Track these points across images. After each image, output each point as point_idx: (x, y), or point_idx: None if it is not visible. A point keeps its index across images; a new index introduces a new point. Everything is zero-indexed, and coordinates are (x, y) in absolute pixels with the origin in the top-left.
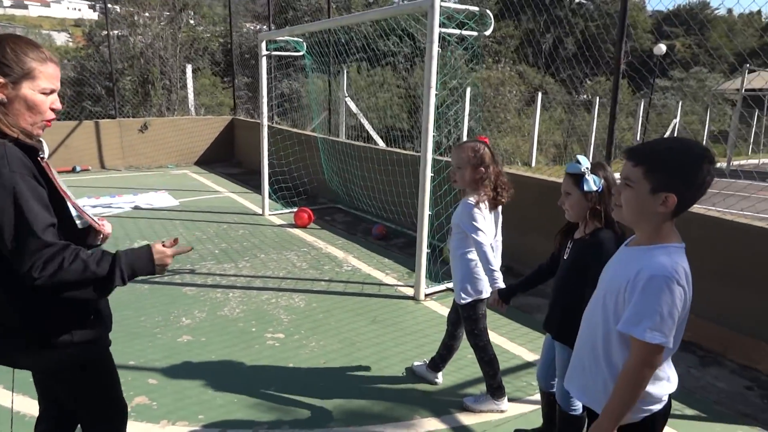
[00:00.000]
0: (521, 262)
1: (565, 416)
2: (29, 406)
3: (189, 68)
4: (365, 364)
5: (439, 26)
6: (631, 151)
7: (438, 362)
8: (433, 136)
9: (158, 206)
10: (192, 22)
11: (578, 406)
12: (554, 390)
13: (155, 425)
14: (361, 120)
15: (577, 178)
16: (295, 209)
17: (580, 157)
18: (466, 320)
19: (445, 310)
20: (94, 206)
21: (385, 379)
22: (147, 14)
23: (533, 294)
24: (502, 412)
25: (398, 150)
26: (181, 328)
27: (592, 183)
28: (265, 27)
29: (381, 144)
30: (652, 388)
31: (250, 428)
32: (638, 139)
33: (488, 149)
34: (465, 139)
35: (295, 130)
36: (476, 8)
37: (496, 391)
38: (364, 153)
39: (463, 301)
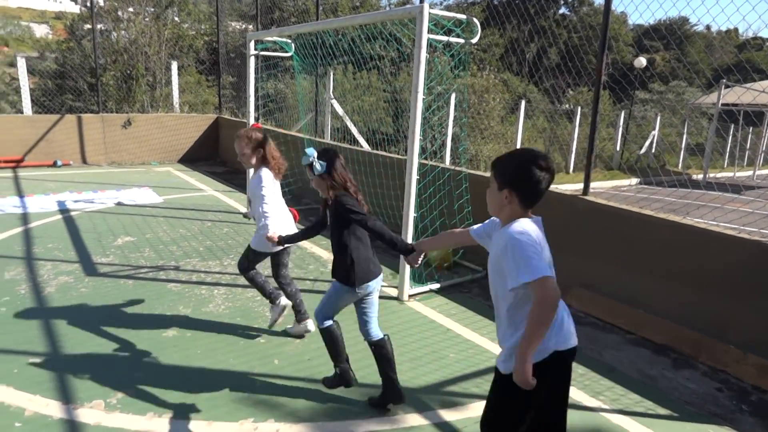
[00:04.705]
0: None
1: (320, 330)
2: (14, 396)
3: (174, 65)
4: (350, 362)
5: (428, 32)
6: (492, 161)
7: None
8: (419, 140)
9: (141, 203)
10: (177, 19)
11: (328, 323)
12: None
13: (141, 417)
14: (347, 122)
15: (310, 166)
16: None
17: (308, 150)
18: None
19: (428, 311)
20: (76, 201)
21: (369, 375)
22: (131, 9)
23: None
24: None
25: (384, 153)
26: (166, 322)
27: (319, 167)
28: (251, 26)
29: (366, 147)
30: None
31: (235, 421)
32: (618, 149)
33: (261, 133)
34: (449, 144)
35: (281, 130)
36: (463, 16)
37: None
38: (350, 155)
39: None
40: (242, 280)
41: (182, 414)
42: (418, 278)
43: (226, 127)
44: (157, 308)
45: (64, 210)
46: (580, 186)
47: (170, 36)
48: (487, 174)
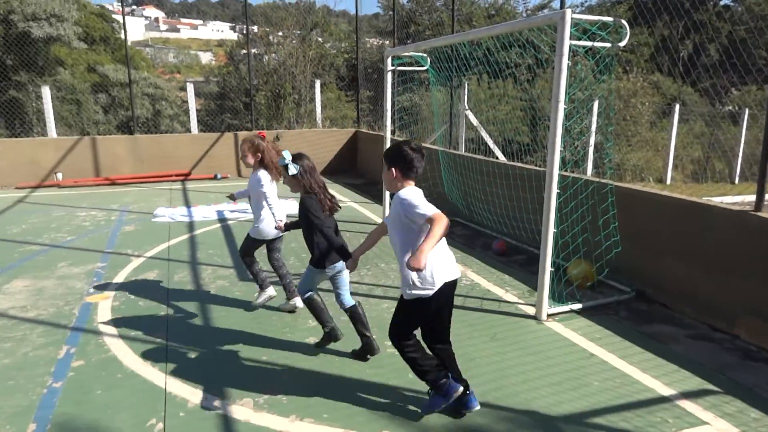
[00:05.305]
0: (656, 286)
1: (303, 301)
2: (180, 388)
3: (317, 83)
4: (484, 381)
5: (570, 38)
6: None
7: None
8: (559, 151)
9: (287, 213)
10: (320, 39)
11: (309, 294)
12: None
13: (285, 419)
14: (481, 133)
15: (285, 167)
16: None
17: (285, 152)
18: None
19: (569, 333)
20: (233, 211)
21: (505, 398)
22: (280, 34)
23: (670, 323)
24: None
25: (520, 164)
26: (308, 330)
27: (293, 169)
28: (387, 42)
29: (501, 157)
30: (417, 288)
31: None
32: None
33: (262, 140)
34: (591, 154)
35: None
36: (610, 19)
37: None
38: (485, 167)
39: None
40: (378, 291)
41: (320, 419)
42: (557, 297)
43: (363, 140)
44: (300, 315)
45: (222, 219)
46: (750, 198)
47: (314, 56)
48: (635, 186)
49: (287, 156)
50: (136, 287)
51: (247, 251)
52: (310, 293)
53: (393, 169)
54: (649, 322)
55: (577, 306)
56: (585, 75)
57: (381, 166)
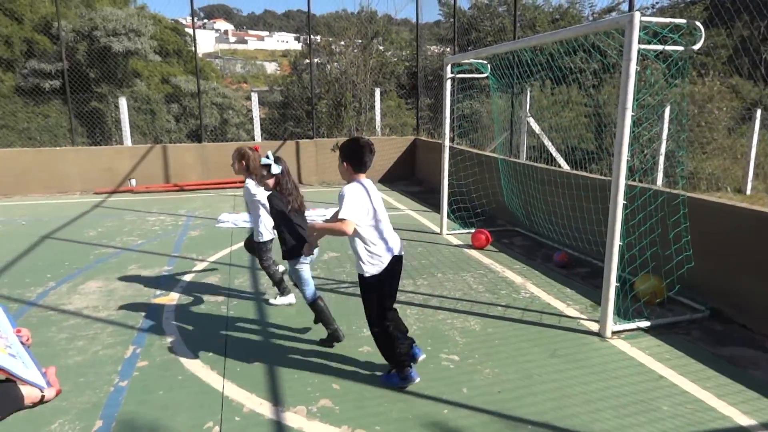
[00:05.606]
0: (733, 305)
1: (309, 304)
2: (237, 392)
3: (377, 92)
4: (542, 400)
5: (638, 42)
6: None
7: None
8: (626, 160)
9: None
10: (381, 48)
11: (313, 299)
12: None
13: (337, 429)
14: (544, 140)
15: (268, 166)
16: (472, 230)
17: (268, 153)
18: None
19: (636, 352)
20: None
21: (564, 419)
22: (342, 43)
23: (750, 346)
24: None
25: (584, 174)
26: (362, 339)
27: (276, 168)
28: (448, 49)
29: (564, 166)
30: (370, 265)
31: None
32: None
33: (250, 150)
34: (662, 163)
35: (475, 150)
36: (683, 21)
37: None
38: (547, 176)
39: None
40: (433, 302)
41: (372, 431)
42: (623, 313)
43: (422, 148)
44: (354, 323)
45: None
46: None
47: (375, 64)
48: (710, 197)
49: (271, 156)
50: (198, 291)
51: (262, 257)
52: (315, 297)
53: (345, 162)
54: (726, 343)
55: (645, 323)
56: (656, 79)
57: (440, 174)
